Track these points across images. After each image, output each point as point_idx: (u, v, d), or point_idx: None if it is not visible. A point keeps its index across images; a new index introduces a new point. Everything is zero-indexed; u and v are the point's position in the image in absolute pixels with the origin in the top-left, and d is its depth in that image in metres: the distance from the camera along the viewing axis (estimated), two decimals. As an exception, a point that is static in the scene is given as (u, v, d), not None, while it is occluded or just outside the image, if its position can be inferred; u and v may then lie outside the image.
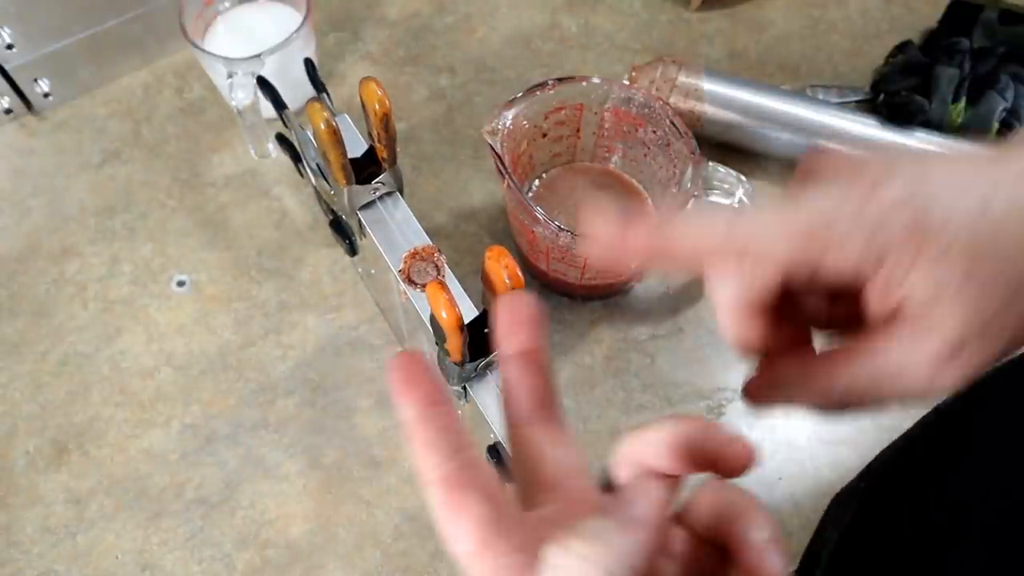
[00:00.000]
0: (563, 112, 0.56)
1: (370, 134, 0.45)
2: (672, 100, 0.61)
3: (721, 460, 0.23)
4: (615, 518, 0.22)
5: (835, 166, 0.28)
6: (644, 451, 0.25)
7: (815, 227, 0.26)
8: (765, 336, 0.28)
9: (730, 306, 0.28)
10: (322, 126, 0.41)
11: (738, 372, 0.56)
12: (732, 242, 0.27)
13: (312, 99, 0.42)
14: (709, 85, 0.61)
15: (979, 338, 0.26)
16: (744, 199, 0.51)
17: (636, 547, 0.21)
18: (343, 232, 0.50)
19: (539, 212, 0.49)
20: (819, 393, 0.27)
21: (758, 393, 0.30)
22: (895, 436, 0.54)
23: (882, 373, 0.26)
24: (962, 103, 0.61)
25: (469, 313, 0.41)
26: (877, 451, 0.54)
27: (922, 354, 0.26)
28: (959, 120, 0.61)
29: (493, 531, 0.23)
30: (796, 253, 0.26)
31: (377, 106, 0.42)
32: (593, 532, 0.21)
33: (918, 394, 0.27)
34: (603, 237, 0.28)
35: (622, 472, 0.26)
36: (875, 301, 0.26)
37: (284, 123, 0.51)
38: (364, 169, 0.46)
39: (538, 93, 0.53)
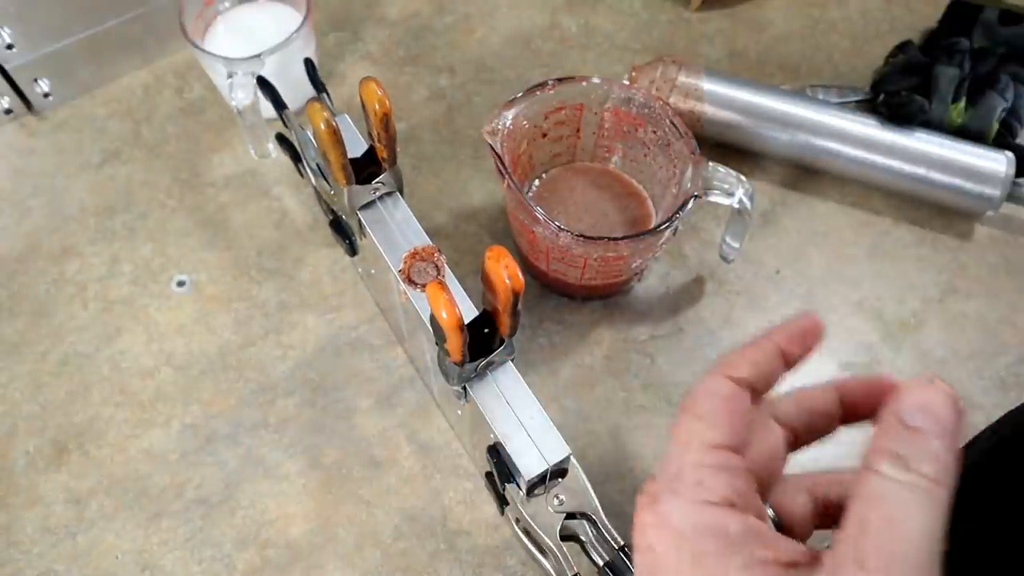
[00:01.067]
0: (563, 112, 0.56)
1: (370, 134, 0.45)
2: (672, 100, 0.61)
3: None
4: None
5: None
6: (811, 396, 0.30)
7: None
8: None
9: None
10: (322, 126, 0.41)
11: (738, 372, 0.56)
12: None
13: (312, 99, 0.42)
14: (709, 85, 0.61)
15: None
16: (744, 199, 0.51)
17: None
18: (343, 232, 0.50)
19: (539, 212, 0.49)
20: None
21: None
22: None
23: None
24: (962, 103, 0.61)
25: (469, 313, 0.41)
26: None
27: None
28: (959, 120, 0.61)
29: (728, 452, 0.25)
30: None
31: (377, 106, 0.42)
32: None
33: None
34: None
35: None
36: None
37: (284, 123, 0.51)
38: (364, 169, 0.46)
39: (538, 93, 0.53)
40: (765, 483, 0.29)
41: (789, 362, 0.29)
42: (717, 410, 0.26)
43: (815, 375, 0.30)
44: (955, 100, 0.61)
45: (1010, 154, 0.59)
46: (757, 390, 0.28)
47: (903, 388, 0.24)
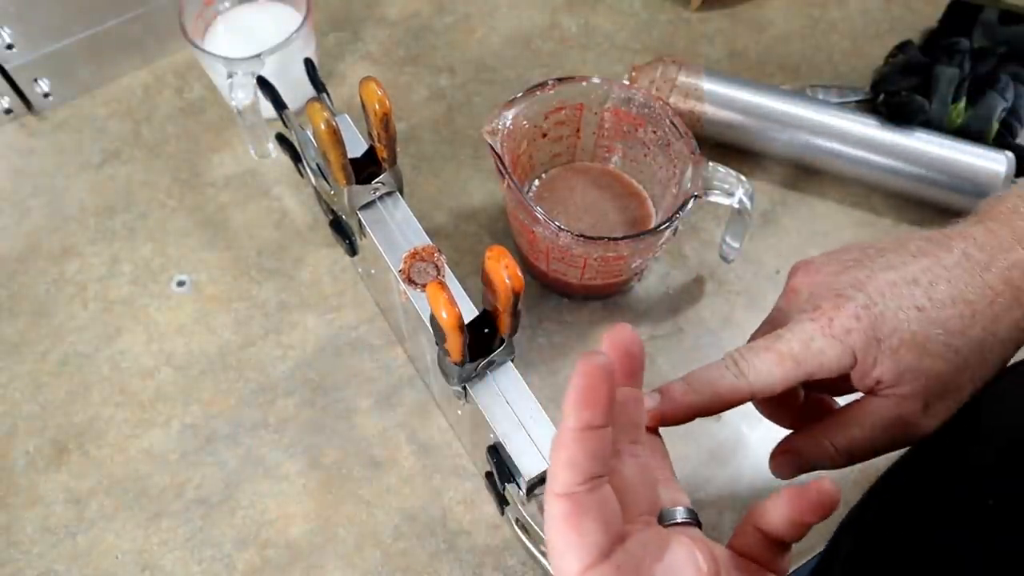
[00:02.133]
0: (563, 112, 0.56)
1: (370, 134, 0.45)
2: (672, 100, 0.61)
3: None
4: None
5: (804, 293, 0.38)
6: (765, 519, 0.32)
7: (799, 354, 0.35)
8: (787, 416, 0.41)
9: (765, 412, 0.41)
10: (322, 126, 0.41)
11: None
12: (744, 391, 0.35)
13: (312, 99, 0.42)
14: (709, 85, 0.61)
15: (941, 397, 0.35)
16: (744, 199, 0.51)
17: None
18: (343, 232, 0.50)
19: (539, 212, 0.49)
20: (827, 451, 0.37)
21: (782, 462, 0.39)
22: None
23: (873, 428, 0.36)
24: (962, 103, 0.61)
25: (469, 313, 0.41)
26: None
27: (900, 414, 0.35)
28: (959, 120, 0.61)
29: (601, 557, 0.26)
30: (790, 377, 0.35)
31: (377, 106, 0.42)
32: None
33: (906, 442, 0.36)
34: (652, 415, 0.36)
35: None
36: (857, 383, 0.36)
37: (284, 123, 0.51)
38: (364, 169, 0.46)
39: (538, 93, 0.53)
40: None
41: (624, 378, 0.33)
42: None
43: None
44: (955, 100, 0.61)
45: (1010, 154, 0.59)
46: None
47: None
